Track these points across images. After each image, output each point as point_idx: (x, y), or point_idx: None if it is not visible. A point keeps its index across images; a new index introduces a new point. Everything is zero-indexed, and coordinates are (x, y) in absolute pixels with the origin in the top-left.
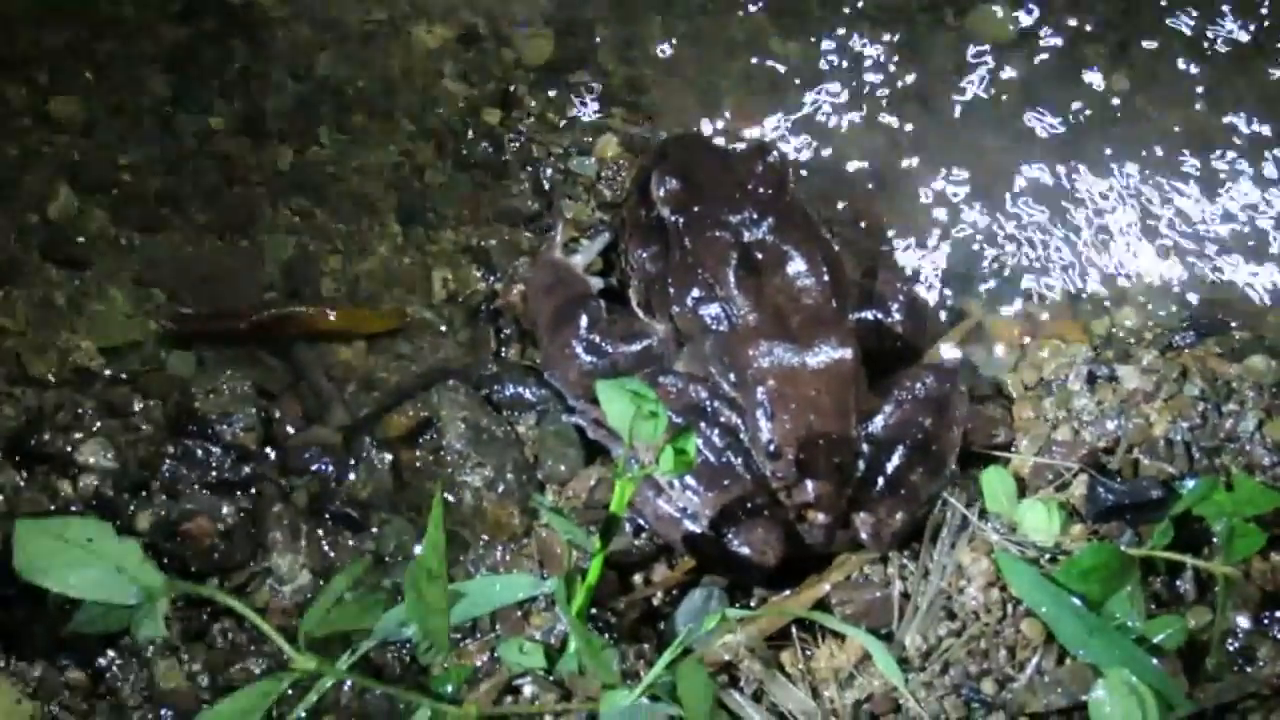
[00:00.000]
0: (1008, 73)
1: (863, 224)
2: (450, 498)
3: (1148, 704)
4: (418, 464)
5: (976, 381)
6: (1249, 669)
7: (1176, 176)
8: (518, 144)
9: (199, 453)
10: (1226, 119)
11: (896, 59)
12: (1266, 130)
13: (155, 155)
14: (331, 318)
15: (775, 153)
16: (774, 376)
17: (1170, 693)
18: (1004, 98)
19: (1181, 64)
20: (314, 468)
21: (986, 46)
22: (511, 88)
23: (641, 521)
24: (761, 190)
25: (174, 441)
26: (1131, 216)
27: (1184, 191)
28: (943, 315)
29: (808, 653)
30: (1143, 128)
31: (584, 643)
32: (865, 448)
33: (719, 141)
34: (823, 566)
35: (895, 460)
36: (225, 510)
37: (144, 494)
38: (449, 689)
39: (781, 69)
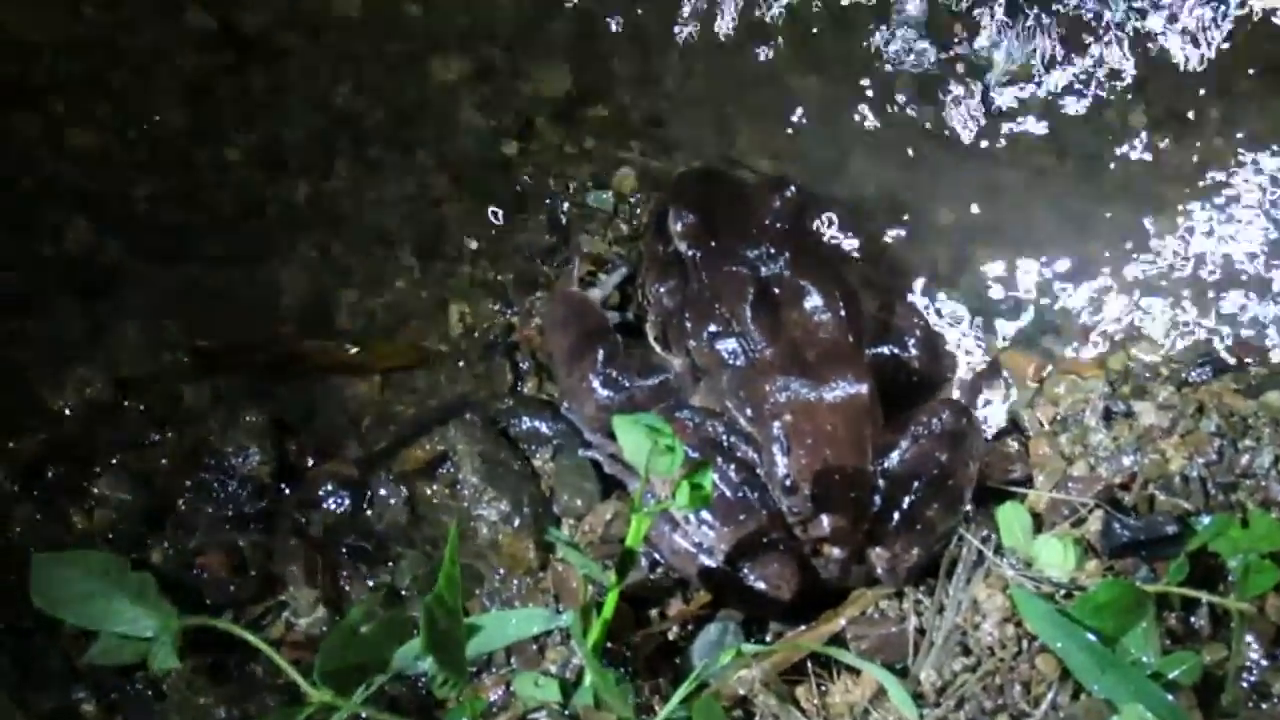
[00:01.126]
0: (1025, 109)
1: (880, 259)
2: (466, 531)
3: None
4: (433, 498)
5: (992, 417)
6: (1264, 705)
7: (1193, 213)
8: (535, 177)
9: (214, 486)
10: (1244, 156)
11: (915, 94)
12: None
13: (172, 187)
14: (349, 353)
15: (792, 187)
16: (790, 411)
17: None
18: (1022, 134)
19: (1199, 102)
20: (329, 501)
21: (1005, 82)
22: (529, 121)
23: (657, 556)
24: (779, 225)
25: (190, 474)
26: (1148, 252)
27: (1201, 228)
28: (959, 351)
29: (823, 688)
30: (1160, 164)
31: (599, 677)
32: (881, 483)
33: (736, 176)
34: (838, 601)
35: (911, 495)
36: (240, 543)
37: (160, 527)
38: None
39: (799, 103)
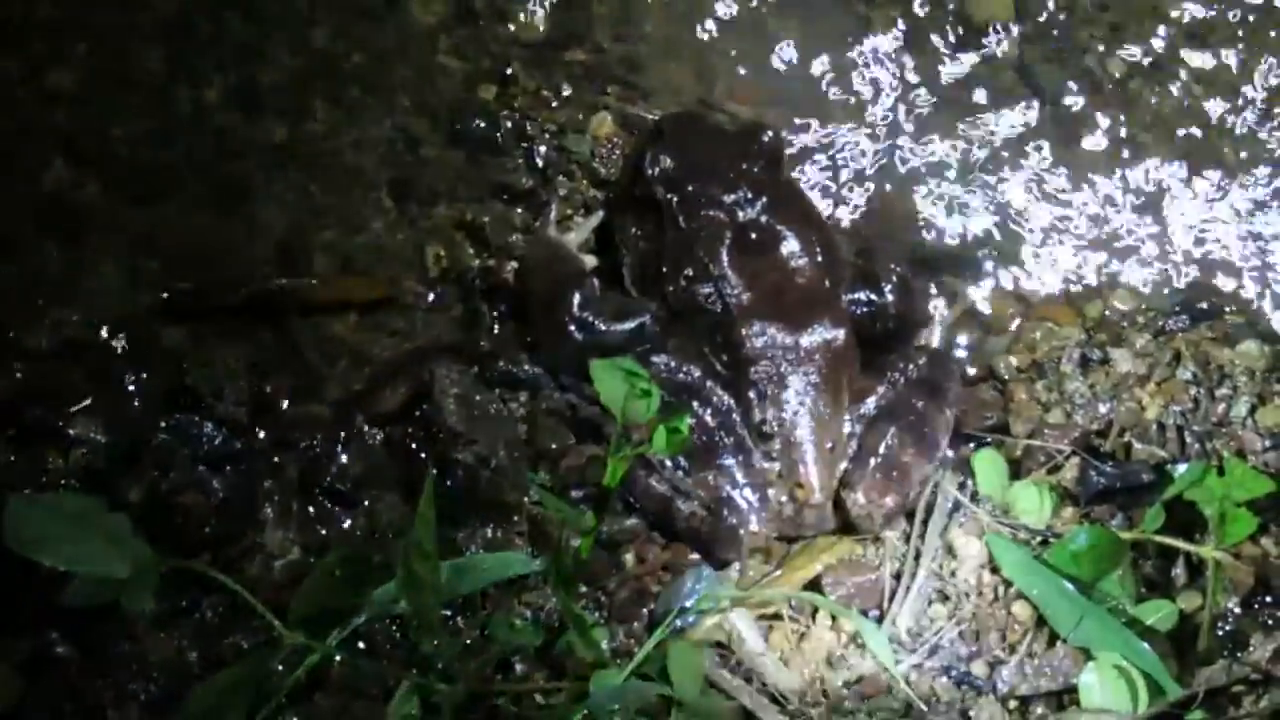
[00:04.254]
0: (1005, 54)
1: (857, 204)
2: (442, 474)
3: (1138, 687)
4: (410, 440)
5: (969, 363)
6: (1239, 653)
7: (1171, 160)
8: (512, 120)
9: (190, 427)
10: (1223, 104)
11: (895, 38)
12: (1264, 115)
13: (150, 128)
14: (321, 288)
15: (770, 132)
16: (767, 356)
17: (1160, 676)
18: (1001, 79)
19: (1179, 48)
20: (305, 443)
21: (985, 27)
22: (507, 64)
23: (633, 500)
24: (756, 170)
25: (166, 415)
26: (1126, 199)
27: (1179, 175)
28: (936, 297)
29: (799, 634)
30: (1138, 111)
31: (575, 621)
32: (857, 428)
33: (714, 120)
34: (814, 548)
35: (887, 441)
36: (216, 485)
37: (135, 468)
38: (439, 666)
39: (777, 47)
